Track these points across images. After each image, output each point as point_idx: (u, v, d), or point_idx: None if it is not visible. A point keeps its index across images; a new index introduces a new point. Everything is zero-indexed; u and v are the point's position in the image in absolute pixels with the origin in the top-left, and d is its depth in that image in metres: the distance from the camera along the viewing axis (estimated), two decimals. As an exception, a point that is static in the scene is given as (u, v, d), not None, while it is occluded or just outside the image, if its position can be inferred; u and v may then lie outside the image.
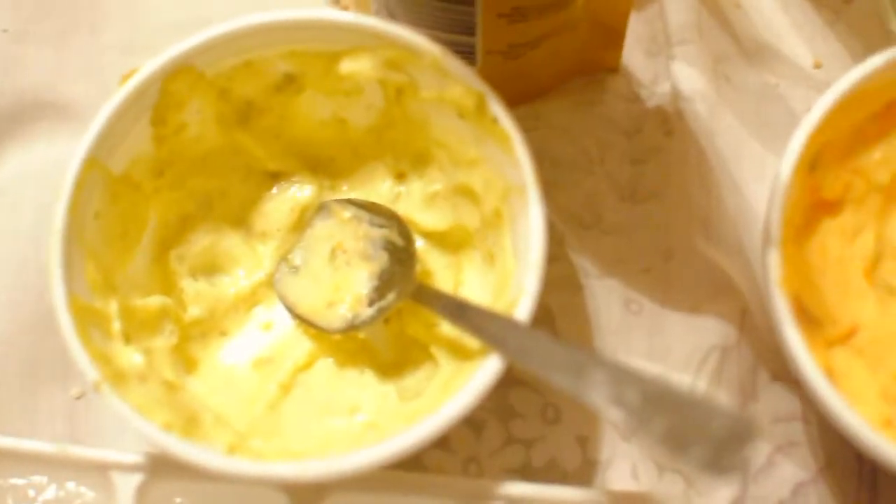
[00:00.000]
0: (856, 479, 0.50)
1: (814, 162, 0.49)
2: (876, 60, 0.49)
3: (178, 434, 0.45)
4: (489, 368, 0.44)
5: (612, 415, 0.41)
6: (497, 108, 0.47)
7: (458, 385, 0.45)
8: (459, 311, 0.47)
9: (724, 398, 0.50)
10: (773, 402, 0.50)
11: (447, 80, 0.48)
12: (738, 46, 0.55)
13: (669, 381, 0.41)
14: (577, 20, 0.51)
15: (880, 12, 0.56)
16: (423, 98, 0.49)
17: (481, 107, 0.48)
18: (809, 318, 0.47)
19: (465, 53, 0.50)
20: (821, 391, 0.45)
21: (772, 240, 0.46)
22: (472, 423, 0.50)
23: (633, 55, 0.55)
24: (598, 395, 0.41)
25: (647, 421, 0.40)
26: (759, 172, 0.52)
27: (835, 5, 0.57)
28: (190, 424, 0.46)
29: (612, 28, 0.53)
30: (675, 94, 0.53)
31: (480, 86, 0.48)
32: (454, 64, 0.48)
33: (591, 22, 0.52)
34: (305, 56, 0.50)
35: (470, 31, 0.49)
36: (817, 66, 0.56)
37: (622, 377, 0.41)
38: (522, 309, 0.45)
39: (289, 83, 0.51)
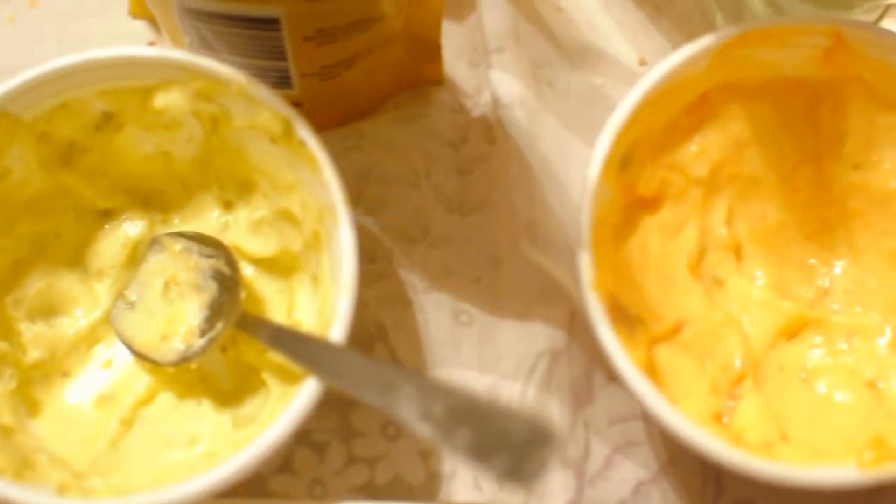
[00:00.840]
0: (700, 474, 0.51)
1: (625, 160, 0.49)
2: (682, 53, 0.49)
3: (9, 477, 0.46)
4: (306, 392, 0.45)
5: (420, 429, 0.41)
6: (304, 132, 0.48)
7: (282, 410, 0.46)
8: (276, 336, 0.48)
9: (556, 403, 0.50)
10: (610, 402, 0.51)
11: (255, 107, 0.49)
12: (560, 50, 0.56)
13: (473, 392, 0.41)
14: (390, 37, 0.52)
15: (703, 5, 0.57)
16: (237, 126, 0.50)
17: (289, 131, 0.48)
18: (629, 318, 0.48)
19: (282, 78, 0.51)
20: (640, 390, 0.45)
21: (583, 242, 0.47)
22: (314, 445, 0.51)
23: (458, 66, 0.56)
24: (406, 411, 0.42)
25: (453, 433, 0.41)
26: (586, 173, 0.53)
27: (657, 1, 0.58)
28: (23, 467, 0.47)
29: (427, 41, 0.54)
30: (495, 103, 0.54)
31: (286, 110, 0.48)
32: (260, 90, 0.49)
33: (405, 37, 0.53)
34: (120, 93, 0.51)
35: (281, 55, 0.50)
36: (642, 63, 0.56)
37: (428, 391, 0.42)
38: (336, 330, 0.46)
39: (107, 121, 0.51)
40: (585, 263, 0.47)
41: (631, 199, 0.50)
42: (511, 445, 0.40)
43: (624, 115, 0.48)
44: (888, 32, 0.51)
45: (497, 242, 0.53)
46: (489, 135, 0.54)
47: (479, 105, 0.55)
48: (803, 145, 0.52)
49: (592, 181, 0.47)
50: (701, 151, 0.51)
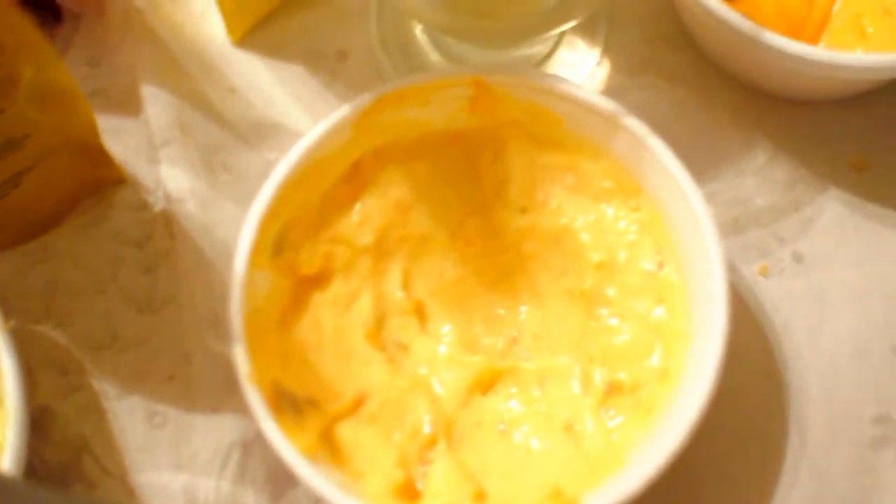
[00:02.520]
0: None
1: (279, 244, 0.50)
2: (320, 129, 0.50)
3: None
4: (-19, 527, 0.46)
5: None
6: (-47, 263, 0.49)
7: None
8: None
9: (251, 493, 0.51)
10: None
11: None
12: (234, 132, 0.56)
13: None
14: (50, 150, 0.52)
15: (377, 64, 0.57)
16: None
17: (-58, 264, 0.49)
18: (297, 403, 0.48)
19: (-51, 207, 0.52)
20: (306, 478, 0.46)
21: (235, 336, 0.47)
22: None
23: (138, 162, 0.56)
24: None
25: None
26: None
27: (330, 66, 0.58)
28: None
29: (92, 146, 0.54)
30: (168, 198, 0.55)
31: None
32: (-90, 228, 0.50)
33: (69, 146, 0.53)
34: None
35: (-63, 188, 0.51)
36: (320, 130, 0.57)
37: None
38: (6, 461, 0.47)
39: None
40: (240, 357, 0.47)
41: (296, 279, 0.50)
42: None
43: (265, 201, 0.48)
44: (531, 73, 0.51)
45: (186, 337, 0.53)
46: (170, 229, 0.55)
47: (160, 200, 0.55)
48: (468, 197, 0.52)
49: (240, 273, 0.48)
50: (363, 220, 0.51)
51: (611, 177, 0.51)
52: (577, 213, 0.52)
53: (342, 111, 0.50)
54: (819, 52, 0.52)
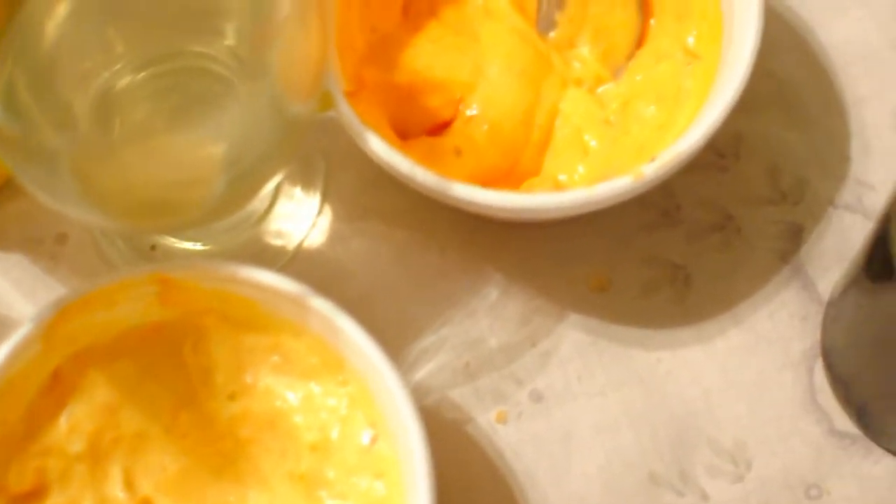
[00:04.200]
0: None
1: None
2: (5, 350, 0.49)
3: None
4: None
5: None
6: None
7: None
8: None
9: None
10: None
11: None
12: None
13: None
14: None
15: (95, 243, 0.57)
16: None
17: None
18: None
19: None
20: None
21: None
22: None
23: None
24: None
25: None
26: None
27: (51, 251, 0.58)
28: None
29: None
30: None
31: None
32: None
33: None
34: None
35: None
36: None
37: None
38: None
39: None
40: None
41: (7, 499, 0.50)
42: None
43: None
44: (211, 265, 0.50)
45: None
46: None
47: None
48: (176, 389, 0.51)
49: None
50: (73, 427, 0.50)
51: (315, 353, 0.50)
52: (286, 392, 0.51)
53: (26, 328, 0.49)
54: (506, 197, 0.50)
